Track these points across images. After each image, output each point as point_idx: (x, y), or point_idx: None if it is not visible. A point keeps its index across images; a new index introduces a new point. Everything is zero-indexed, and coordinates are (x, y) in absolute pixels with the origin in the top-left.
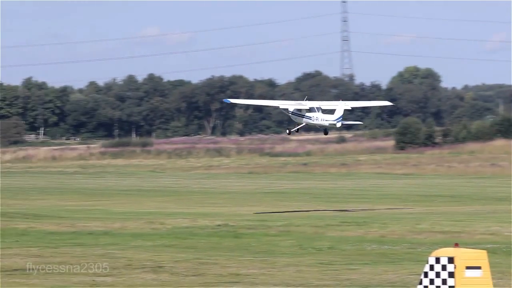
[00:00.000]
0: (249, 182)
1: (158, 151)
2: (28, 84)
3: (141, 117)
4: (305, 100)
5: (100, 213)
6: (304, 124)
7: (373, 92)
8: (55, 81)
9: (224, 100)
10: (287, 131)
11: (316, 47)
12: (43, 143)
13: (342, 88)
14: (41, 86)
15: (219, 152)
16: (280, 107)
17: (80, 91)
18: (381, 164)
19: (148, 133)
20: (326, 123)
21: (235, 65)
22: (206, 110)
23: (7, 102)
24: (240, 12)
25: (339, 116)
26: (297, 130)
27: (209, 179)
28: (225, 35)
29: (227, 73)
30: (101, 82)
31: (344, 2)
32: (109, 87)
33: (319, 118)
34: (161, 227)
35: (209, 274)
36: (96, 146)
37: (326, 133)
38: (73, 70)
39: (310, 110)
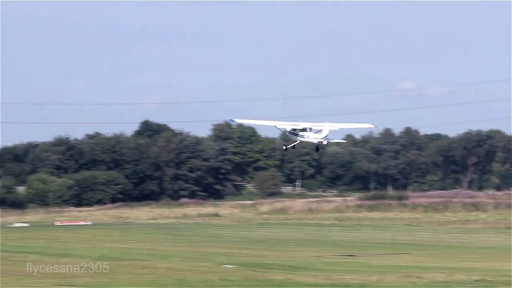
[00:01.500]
0: (507, 238)
1: (414, 205)
2: (286, 136)
3: (397, 170)
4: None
5: (356, 266)
6: (298, 141)
7: None
8: None
9: (230, 120)
10: (284, 147)
11: None
12: (299, 195)
13: None
14: None
15: (475, 206)
16: (277, 126)
17: (337, 144)
18: None
19: (404, 187)
20: (315, 141)
21: (493, 119)
22: (463, 164)
23: (265, 154)
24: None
25: (326, 135)
26: (293, 147)
27: (466, 233)
28: (484, 88)
29: (484, 127)
30: (357, 135)
31: None
32: (365, 140)
33: (310, 137)
34: (417, 281)
35: None
36: (352, 198)
37: (317, 150)
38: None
39: (303, 129)
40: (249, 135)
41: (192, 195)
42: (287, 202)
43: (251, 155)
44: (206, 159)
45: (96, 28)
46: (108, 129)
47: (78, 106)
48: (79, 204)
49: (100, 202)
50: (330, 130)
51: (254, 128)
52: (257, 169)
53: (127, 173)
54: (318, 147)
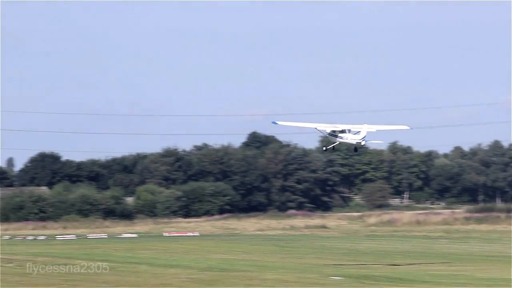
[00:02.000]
0: None
1: None
2: (394, 148)
3: (506, 183)
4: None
5: (463, 279)
6: (337, 142)
7: None
8: (420, 146)
9: (273, 122)
10: (324, 148)
11: None
12: (407, 207)
13: None
14: (407, 150)
15: None
16: (318, 128)
17: (445, 155)
18: None
19: None
20: (354, 142)
21: None
22: None
23: (372, 166)
24: None
25: (364, 136)
26: (333, 148)
27: None
28: None
29: None
30: (466, 147)
31: None
32: (474, 152)
33: (348, 138)
34: None
35: None
36: (460, 211)
37: (356, 150)
38: (439, 134)
39: (342, 131)
40: None
41: (300, 206)
42: (395, 214)
43: (359, 166)
44: (313, 171)
45: (205, 39)
46: (216, 141)
47: (186, 117)
48: (187, 215)
49: (208, 213)
50: (367, 132)
51: None
52: (365, 181)
53: (235, 185)
54: (356, 148)
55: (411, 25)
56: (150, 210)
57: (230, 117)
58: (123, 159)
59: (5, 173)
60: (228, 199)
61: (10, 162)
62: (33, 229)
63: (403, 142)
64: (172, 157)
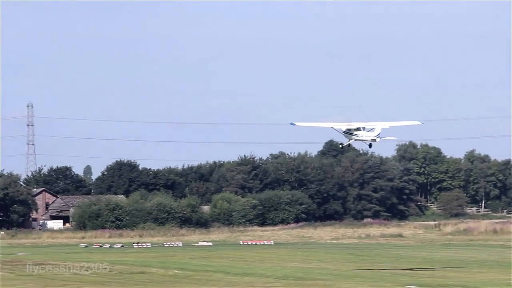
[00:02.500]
0: None
1: None
2: (471, 157)
3: None
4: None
5: None
6: (353, 140)
7: None
8: (498, 154)
9: (291, 123)
10: (340, 145)
11: None
12: (484, 216)
13: None
14: (484, 159)
15: None
16: (334, 127)
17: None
18: None
19: None
20: (369, 139)
21: None
22: None
23: (449, 175)
24: None
25: (378, 133)
26: (349, 145)
27: None
28: None
29: None
30: None
31: None
32: None
33: (364, 135)
34: None
35: None
36: None
37: (370, 146)
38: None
39: (357, 129)
40: (433, 155)
41: (376, 215)
42: (471, 223)
43: (436, 175)
44: (390, 179)
45: (283, 49)
46: (293, 149)
47: (263, 125)
48: (262, 223)
49: (283, 221)
50: (382, 129)
51: (439, 149)
52: (441, 189)
53: (311, 193)
54: (371, 144)
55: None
56: (226, 219)
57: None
58: (199, 167)
59: (82, 181)
60: (304, 207)
61: (87, 170)
62: (110, 237)
63: (481, 151)
64: (249, 166)
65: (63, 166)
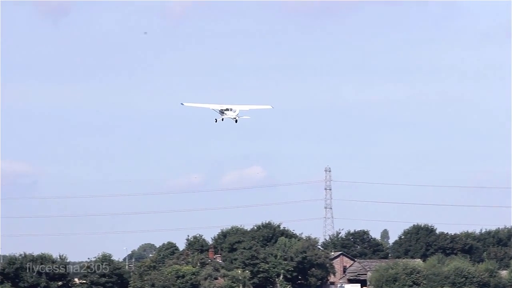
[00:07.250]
0: None
1: None
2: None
3: None
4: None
5: None
6: (225, 116)
7: None
8: None
9: (181, 103)
10: (215, 120)
11: None
12: None
13: None
14: None
15: None
16: (210, 108)
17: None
18: None
19: None
20: (232, 117)
21: None
22: None
23: None
24: None
25: (237, 113)
26: (222, 120)
27: None
28: None
29: None
30: None
31: None
32: None
33: (229, 114)
34: None
35: None
36: None
37: (236, 122)
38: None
39: (227, 109)
40: None
41: None
42: None
43: None
44: None
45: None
46: None
47: None
48: None
49: None
50: (240, 110)
51: None
52: None
53: None
54: (236, 120)
55: None
56: None
57: None
58: (497, 232)
59: (380, 245)
60: None
61: (384, 234)
62: None
63: None
64: None
65: (360, 230)
